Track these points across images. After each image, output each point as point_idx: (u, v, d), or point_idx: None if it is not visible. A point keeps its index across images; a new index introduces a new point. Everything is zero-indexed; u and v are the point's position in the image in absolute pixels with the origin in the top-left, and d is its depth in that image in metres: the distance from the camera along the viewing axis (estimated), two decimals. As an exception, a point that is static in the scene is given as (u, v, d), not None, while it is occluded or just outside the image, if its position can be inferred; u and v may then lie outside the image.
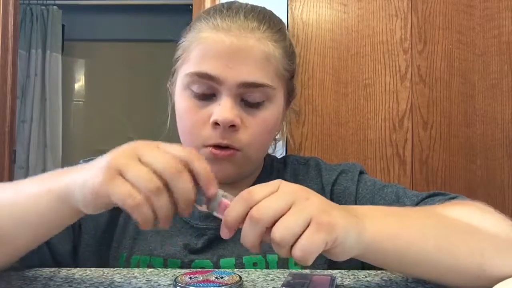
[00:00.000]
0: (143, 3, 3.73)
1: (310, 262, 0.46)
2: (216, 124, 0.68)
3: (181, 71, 0.73)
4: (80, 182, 0.51)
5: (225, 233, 0.50)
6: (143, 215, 0.47)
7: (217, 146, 0.69)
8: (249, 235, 0.47)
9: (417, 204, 0.70)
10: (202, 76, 0.69)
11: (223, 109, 0.67)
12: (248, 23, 0.70)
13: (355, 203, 0.75)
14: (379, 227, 0.51)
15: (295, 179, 0.80)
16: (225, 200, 0.51)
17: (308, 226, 0.46)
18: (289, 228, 0.45)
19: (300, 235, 0.45)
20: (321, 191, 0.77)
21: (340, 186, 0.77)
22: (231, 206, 0.49)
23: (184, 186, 0.48)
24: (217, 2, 1.78)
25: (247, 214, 0.47)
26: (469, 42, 1.73)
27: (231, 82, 0.68)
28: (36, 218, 0.55)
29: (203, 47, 0.70)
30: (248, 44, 0.68)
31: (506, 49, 1.72)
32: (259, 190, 0.48)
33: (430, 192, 0.72)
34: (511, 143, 1.70)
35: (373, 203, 0.73)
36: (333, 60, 1.76)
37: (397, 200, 0.72)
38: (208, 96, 0.70)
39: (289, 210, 0.46)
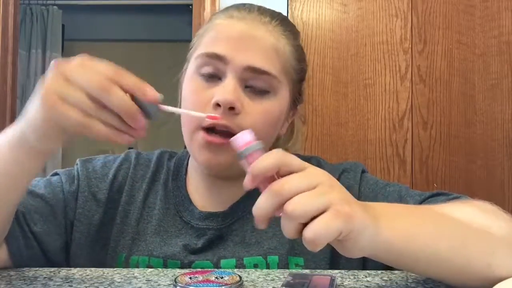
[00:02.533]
0: (143, 3, 3.73)
1: (318, 248, 0.44)
2: (217, 105, 0.67)
3: (193, 56, 0.74)
4: (27, 119, 0.54)
5: (247, 185, 0.48)
6: (101, 130, 0.51)
7: (211, 131, 0.67)
8: (265, 205, 0.46)
9: (420, 203, 0.70)
10: (210, 56, 0.70)
11: (225, 89, 0.68)
12: (261, 17, 0.72)
13: None
14: (395, 228, 0.50)
15: None
16: (255, 154, 0.48)
17: (324, 212, 0.44)
18: (303, 204, 0.44)
19: (314, 218, 0.44)
20: None
21: (343, 185, 0.76)
22: (263, 158, 0.47)
23: (116, 98, 0.50)
24: (216, 2, 1.78)
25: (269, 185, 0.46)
26: (469, 42, 1.74)
27: (237, 64, 0.68)
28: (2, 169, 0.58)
29: (215, 31, 0.72)
30: (258, 33, 0.70)
31: (506, 49, 1.72)
32: (288, 160, 0.47)
33: (433, 191, 0.72)
34: (511, 143, 1.71)
35: (375, 202, 0.73)
36: (333, 60, 1.76)
37: (399, 200, 0.72)
38: (214, 78, 0.70)
39: (311, 190, 0.45)
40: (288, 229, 0.45)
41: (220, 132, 0.68)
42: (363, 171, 0.78)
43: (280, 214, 0.46)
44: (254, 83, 0.70)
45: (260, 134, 0.68)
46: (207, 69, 0.70)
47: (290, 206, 0.44)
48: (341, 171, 0.78)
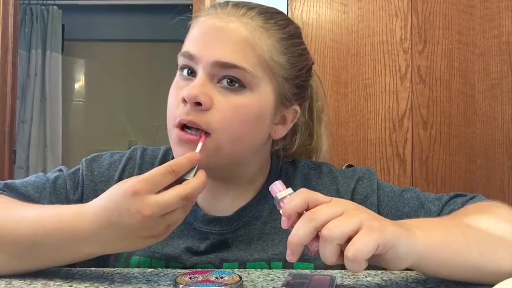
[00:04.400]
0: (143, 3, 3.73)
1: (361, 266, 0.47)
2: (184, 101, 0.66)
3: None
4: (105, 248, 0.59)
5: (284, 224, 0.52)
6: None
7: (182, 128, 0.67)
8: (301, 231, 0.49)
9: (442, 208, 0.71)
10: (185, 56, 0.69)
11: (192, 85, 0.66)
12: (236, 10, 0.70)
13: (378, 212, 0.73)
14: (429, 236, 0.53)
15: (306, 184, 0.77)
16: (285, 201, 0.54)
17: (358, 231, 0.48)
18: (338, 225, 0.48)
19: (350, 239, 0.47)
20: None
21: (360, 195, 0.76)
22: (292, 197, 0.52)
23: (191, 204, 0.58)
24: (216, 1, 1.78)
25: (301, 214, 0.51)
26: (469, 42, 1.74)
27: (205, 60, 0.67)
28: (50, 252, 0.60)
29: (193, 30, 0.72)
30: (229, 26, 0.68)
31: (506, 49, 1.72)
32: (314, 196, 0.52)
33: (450, 194, 0.74)
34: (511, 143, 1.70)
35: (397, 210, 0.73)
36: (333, 60, 1.76)
37: (421, 206, 0.72)
38: (192, 77, 0.69)
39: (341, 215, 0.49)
40: (329, 253, 0.48)
41: (194, 130, 0.66)
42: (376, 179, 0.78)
43: (314, 248, 0.50)
44: (228, 78, 0.67)
45: (233, 132, 0.67)
46: (184, 68, 0.70)
47: (326, 230, 0.48)
48: (356, 179, 0.77)
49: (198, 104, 0.65)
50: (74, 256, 0.61)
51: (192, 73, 0.69)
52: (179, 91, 0.68)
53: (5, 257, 0.60)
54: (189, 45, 0.70)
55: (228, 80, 0.66)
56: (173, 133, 0.68)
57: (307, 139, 0.83)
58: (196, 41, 0.69)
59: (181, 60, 0.70)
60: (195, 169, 0.58)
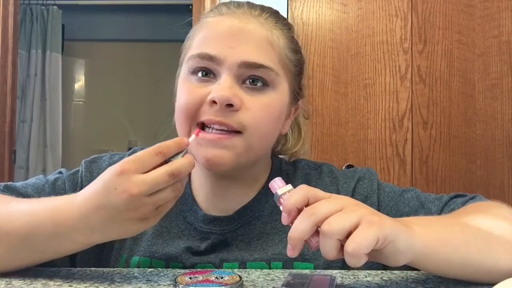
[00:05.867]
0: (143, 3, 3.73)
1: (361, 260, 0.47)
2: (213, 102, 0.65)
3: (185, 59, 0.72)
4: (92, 229, 0.57)
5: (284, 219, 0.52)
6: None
7: (202, 129, 0.67)
8: (301, 227, 0.49)
9: (442, 208, 0.72)
10: (203, 57, 0.68)
11: (221, 87, 0.65)
12: (251, 10, 0.71)
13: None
14: (428, 233, 0.54)
15: (306, 184, 0.77)
16: (285, 197, 0.54)
17: (357, 226, 0.48)
18: (338, 221, 0.48)
19: (350, 234, 0.48)
20: None
21: (361, 195, 0.76)
22: (292, 193, 0.53)
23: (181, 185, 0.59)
24: (216, 2, 1.78)
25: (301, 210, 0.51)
26: (469, 42, 1.74)
27: (231, 62, 0.66)
28: (44, 245, 0.60)
29: (205, 31, 0.71)
30: (249, 27, 0.69)
31: (506, 49, 1.72)
32: (314, 192, 0.52)
33: (450, 194, 0.74)
34: (511, 143, 1.71)
35: (398, 210, 0.73)
36: (333, 60, 1.76)
37: (421, 206, 0.73)
38: (209, 79, 0.69)
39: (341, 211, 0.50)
40: (329, 248, 0.48)
41: (218, 130, 0.66)
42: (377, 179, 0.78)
43: (314, 244, 0.50)
44: (251, 78, 0.68)
45: (262, 130, 0.68)
46: (201, 70, 0.69)
47: (326, 225, 0.48)
48: (357, 179, 0.77)
49: (230, 105, 0.65)
50: (67, 247, 0.61)
51: (207, 74, 0.69)
52: (197, 92, 0.68)
53: (0, 250, 0.60)
54: (206, 47, 0.69)
55: (251, 80, 0.68)
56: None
57: (298, 136, 0.84)
58: (215, 42, 0.68)
59: (196, 62, 0.69)
60: (183, 153, 0.59)
